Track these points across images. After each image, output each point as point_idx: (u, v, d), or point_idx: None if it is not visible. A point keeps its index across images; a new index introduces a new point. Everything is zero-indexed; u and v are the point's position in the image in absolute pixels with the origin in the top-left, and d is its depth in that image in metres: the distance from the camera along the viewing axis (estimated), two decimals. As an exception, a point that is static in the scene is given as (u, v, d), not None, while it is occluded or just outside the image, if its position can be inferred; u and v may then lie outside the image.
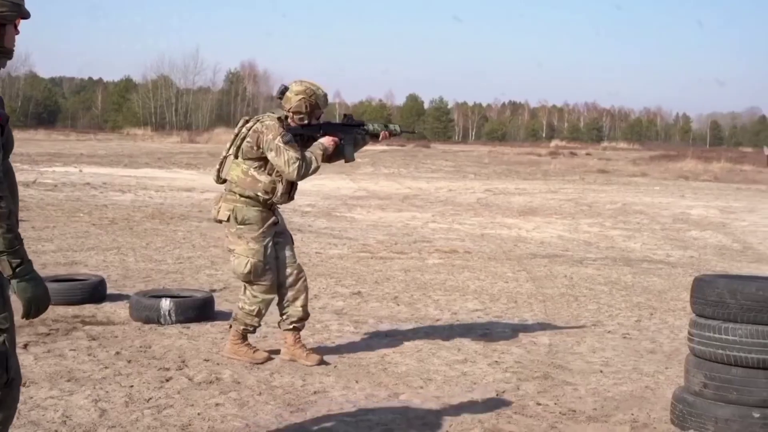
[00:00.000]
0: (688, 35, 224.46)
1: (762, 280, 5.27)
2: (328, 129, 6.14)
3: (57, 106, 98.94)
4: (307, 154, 5.92)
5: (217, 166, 6.17)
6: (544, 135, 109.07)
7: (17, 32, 3.18)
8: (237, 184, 5.97)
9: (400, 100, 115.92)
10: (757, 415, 4.77)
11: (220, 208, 6.03)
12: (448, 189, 24.39)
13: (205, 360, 6.01)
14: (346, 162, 6.25)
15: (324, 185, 22.74)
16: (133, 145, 49.34)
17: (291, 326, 6.11)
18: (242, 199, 5.95)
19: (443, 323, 7.57)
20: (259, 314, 6.08)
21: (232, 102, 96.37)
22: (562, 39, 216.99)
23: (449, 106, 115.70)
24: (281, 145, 5.82)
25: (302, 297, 6.13)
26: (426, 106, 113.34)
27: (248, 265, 5.92)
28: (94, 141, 54.31)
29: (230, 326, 6.16)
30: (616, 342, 7.06)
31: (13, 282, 3.08)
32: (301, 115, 6.02)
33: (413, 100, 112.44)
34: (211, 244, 11.74)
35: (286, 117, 6.02)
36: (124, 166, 28.74)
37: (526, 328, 7.46)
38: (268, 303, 6.08)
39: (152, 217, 14.75)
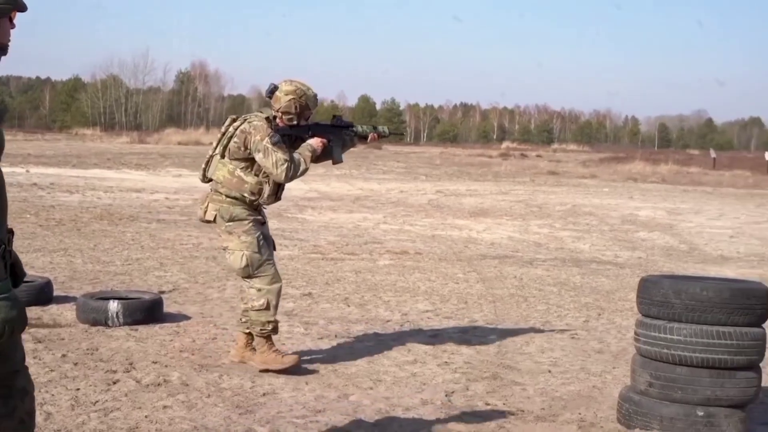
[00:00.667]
0: (636, 38, 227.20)
1: (706, 280, 5.36)
2: (316, 130, 6.04)
3: (4, 106, 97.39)
4: (296, 155, 5.83)
5: (203, 166, 6.05)
6: (495, 137, 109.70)
7: (13, 26, 2.94)
8: (223, 185, 5.89)
9: (352, 101, 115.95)
10: (701, 414, 4.85)
11: (206, 208, 5.95)
12: (400, 190, 24.45)
13: (153, 362, 5.96)
14: (334, 163, 6.18)
15: (275, 186, 22.65)
16: (82, 146, 48.75)
17: (248, 330, 6.06)
18: (228, 199, 5.87)
19: (393, 324, 7.58)
20: (269, 307, 5.87)
21: (182, 102, 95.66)
22: (513, 42, 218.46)
23: (401, 108, 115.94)
24: (269, 146, 5.72)
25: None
26: (378, 107, 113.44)
27: (244, 258, 5.82)
28: (42, 141, 53.56)
29: (246, 333, 6.01)
30: (564, 342, 7.13)
31: None
32: (291, 116, 5.93)
33: (365, 101, 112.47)
34: (160, 246, 11.65)
35: (275, 117, 5.93)
36: (72, 167, 28.37)
37: (475, 329, 7.50)
38: (276, 293, 5.92)
39: (100, 218, 14.59)
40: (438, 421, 5.00)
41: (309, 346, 6.66)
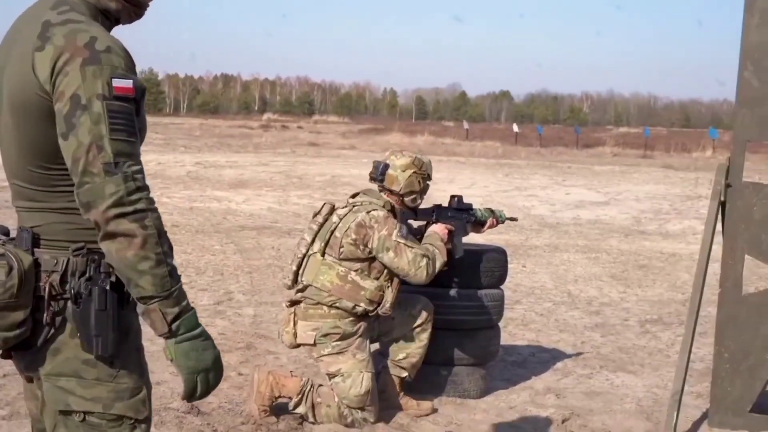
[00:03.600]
0: (392, 12, 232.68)
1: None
2: (440, 214, 5.02)
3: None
4: (429, 247, 4.71)
5: (294, 268, 4.75)
6: (256, 108, 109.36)
7: None
8: (331, 293, 4.61)
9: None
10: (444, 373, 5.06)
11: (296, 330, 4.67)
12: (158, 162, 23.86)
13: None
14: (455, 256, 5.00)
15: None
16: None
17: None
18: (333, 311, 4.62)
19: (147, 298, 7.41)
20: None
21: None
22: (272, 13, 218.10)
23: (159, 78, 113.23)
24: (401, 241, 4.57)
25: None
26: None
27: (364, 381, 4.59)
28: None
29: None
30: (319, 310, 7.22)
31: (170, 343, 2.06)
32: (415, 195, 4.82)
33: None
34: None
35: (393, 206, 4.79)
36: None
37: (231, 300, 7.48)
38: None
39: None
40: (190, 393, 4.94)
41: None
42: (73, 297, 2.07)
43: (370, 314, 4.66)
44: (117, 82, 2.01)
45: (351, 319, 4.63)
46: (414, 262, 4.54)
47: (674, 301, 8.38)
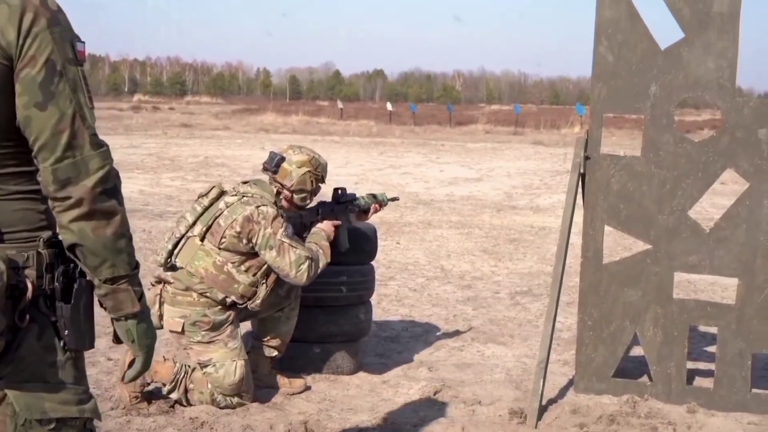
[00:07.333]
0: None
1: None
2: (324, 211, 4.94)
3: None
4: (313, 247, 4.64)
5: (170, 246, 4.57)
6: (126, 89, 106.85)
7: None
8: (203, 280, 4.48)
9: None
10: (317, 350, 5.09)
11: (162, 312, 4.53)
12: (23, 146, 23.17)
13: None
14: (341, 250, 4.93)
15: None
16: None
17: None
18: (203, 300, 4.49)
19: None
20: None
21: None
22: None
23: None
24: (285, 241, 4.45)
25: None
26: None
27: (238, 370, 4.50)
28: None
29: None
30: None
31: (131, 323, 1.96)
32: (305, 194, 4.73)
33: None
34: None
35: (278, 193, 4.68)
36: None
37: (100, 285, 7.31)
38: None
39: None
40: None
41: None
42: (59, 293, 1.90)
43: (239, 306, 4.59)
44: (79, 46, 1.91)
45: (219, 308, 4.52)
46: (296, 263, 4.46)
47: (543, 273, 8.59)
